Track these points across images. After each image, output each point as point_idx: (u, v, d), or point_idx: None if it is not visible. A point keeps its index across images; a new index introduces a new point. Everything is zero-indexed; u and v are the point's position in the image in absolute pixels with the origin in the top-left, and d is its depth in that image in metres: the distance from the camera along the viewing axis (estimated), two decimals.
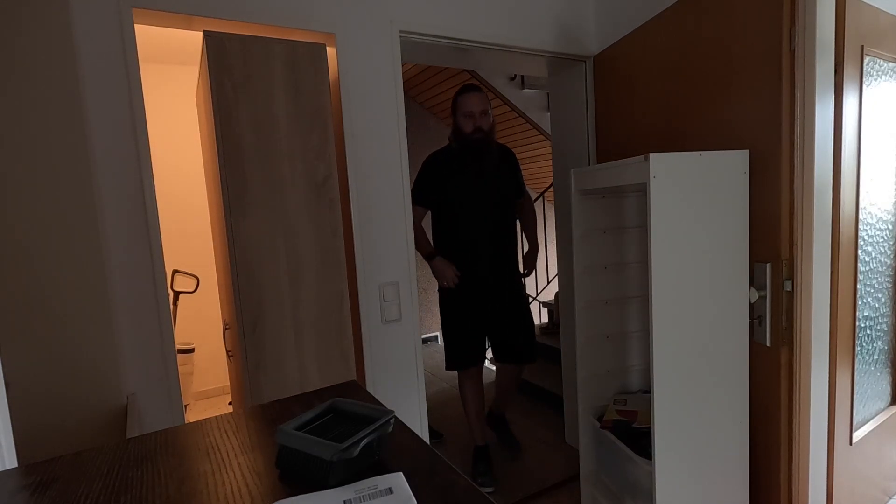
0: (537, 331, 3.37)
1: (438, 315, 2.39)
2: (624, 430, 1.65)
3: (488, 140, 2.08)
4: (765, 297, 1.42)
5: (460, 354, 2.20)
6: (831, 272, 1.51)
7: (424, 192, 2.13)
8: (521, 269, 2.33)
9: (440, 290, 2.22)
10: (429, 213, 2.22)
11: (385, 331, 1.80)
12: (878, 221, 1.73)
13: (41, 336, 1.19)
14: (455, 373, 2.28)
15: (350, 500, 0.56)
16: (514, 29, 1.98)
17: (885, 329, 1.84)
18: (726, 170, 1.38)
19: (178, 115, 3.40)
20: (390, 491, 0.57)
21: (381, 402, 0.80)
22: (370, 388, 1.77)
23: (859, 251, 1.63)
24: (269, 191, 1.45)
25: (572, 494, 2.07)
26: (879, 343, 1.82)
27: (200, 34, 1.40)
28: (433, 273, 2.15)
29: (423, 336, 4.97)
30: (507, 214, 2.21)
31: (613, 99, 2.03)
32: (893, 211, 1.80)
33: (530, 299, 2.34)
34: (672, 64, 1.68)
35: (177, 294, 2.88)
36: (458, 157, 2.11)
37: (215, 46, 1.37)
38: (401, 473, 0.60)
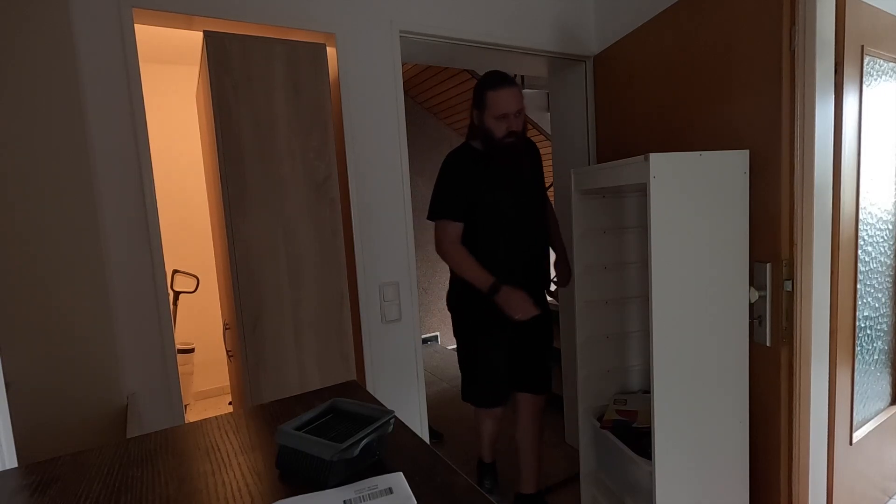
0: None
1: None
2: (624, 430, 1.65)
3: (521, 145, 1.72)
4: (765, 297, 1.42)
5: (485, 390, 1.83)
6: (831, 272, 1.51)
7: (457, 203, 1.69)
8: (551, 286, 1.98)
9: (458, 310, 1.84)
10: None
11: (385, 331, 1.80)
12: (878, 221, 1.73)
13: (41, 336, 1.19)
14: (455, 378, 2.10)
15: (350, 500, 0.56)
16: (514, 29, 1.98)
17: (885, 329, 1.84)
18: (726, 170, 1.38)
19: (178, 115, 3.40)
20: (390, 491, 0.57)
21: (381, 402, 0.80)
22: (370, 388, 1.77)
23: (859, 251, 1.63)
24: (269, 191, 1.45)
25: (572, 494, 2.07)
26: (879, 343, 1.82)
27: (200, 34, 1.40)
28: (504, 306, 1.65)
29: (423, 336, 4.97)
30: (542, 229, 1.86)
31: (613, 99, 2.03)
32: (893, 211, 1.80)
33: None
34: (672, 64, 1.68)
35: (177, 294, 2.88)
36: (485, 163, 1.72)
37: (215, 46, 1.37)
38: (401, 473, 0.60)
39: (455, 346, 2.00)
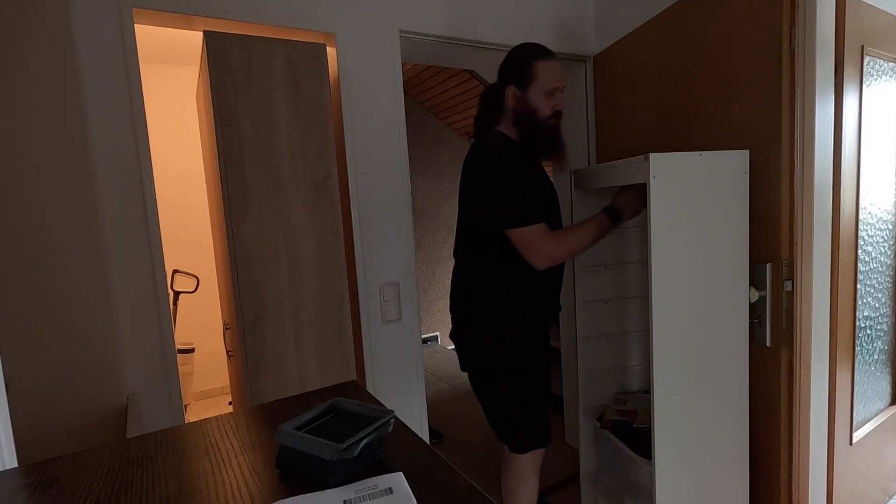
0: None
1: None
2: (624, 430, 1.65)
3: (559, 129, 1.50)
4: (765, 297, 1.42)
5: (547, 424, 1.54)
6: (831, 272, 1.51)
7: (534, 200, 1.39)
8: None
9: (506, 343, 1.45)
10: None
11: (385, 331, 1.80)
12: (878, 221, 1.73)
13: (41, 336, 1.19)
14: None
15: (350, 500, 0.56)
16: (514, 29, 1.98)
17: (885, 329, 1.84)
18: (726, 170, 1.38)
19: (178, 115, 3.40)
20: (390, 491, 0.57)
21: (381, 402, 0.80)
22: (370, 388, 1.77)
23: (859, 251, 1.63)
24: (269, 191, 1.45)
25: (572, 494, 2.07)
26: (879, 343, 1.82)
27: (200, 34, 1.40)
28: (633, 213, 1.45)
29: (423, 336, 4.96)
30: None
31: (613, 99, 2.03)
32: (893, 211, 1.80)
33: None
34: (672, 64, 1.68)
35: (177, 294, 2.88)
36: (530, 153, 1.47)
37: (215, 46, 1.37)
38: (401, 473, 0.60)
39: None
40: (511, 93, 1.45)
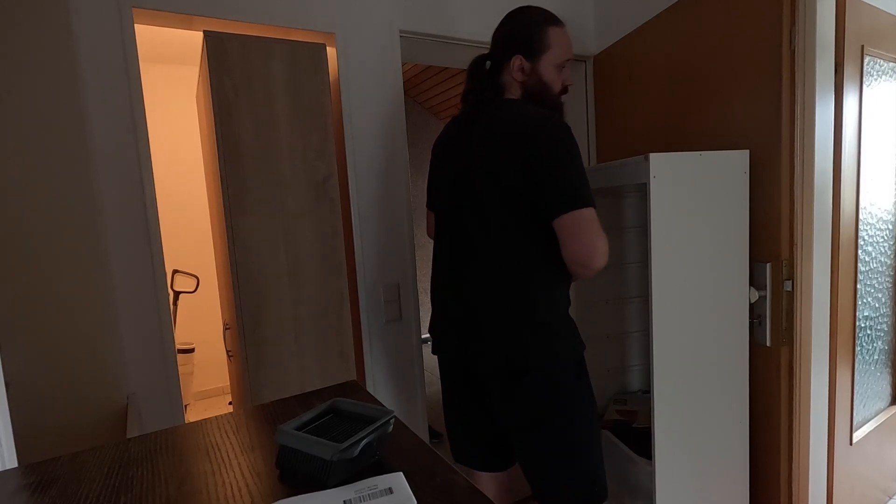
0: None
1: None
2: (624, 430, 1.65)
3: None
4: (765, 297, 1.42)
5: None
6: (831, 272, 1.51)
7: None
8: None
9: (578, 367, 1.20)
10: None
11: (385, 331, 1.80)
12: (878, 221, 1.73)
13: (41, 336, 1.19)
14: None
15: (350, 500, 0.56)
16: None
17: (885, 329, 1.84)
18: (726, 170, 1.38)
19: (178, 115, 3.40)
20: (390, 491, 0.57)
21: (381, 402, 0.80)
22: (370, 388, 1.77)
23: (859, 251, 1.63)
24: (269, 191, 1.45)
25: None
26: (879, 343, 1.82)
27: (200, 34, 1.40)
28: None
29: (424, 336, 4.96)
30: None
31: (613, 99, 2.03)
32: (893, 211, 1.80)
33: None
34: (672, 64, 1.68)
35: (177, 294, 2.88)
36: None
37: (215, 46, 1.37)
38: (401, 473, 0.60)
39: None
40: (517, 64, 1.23)
